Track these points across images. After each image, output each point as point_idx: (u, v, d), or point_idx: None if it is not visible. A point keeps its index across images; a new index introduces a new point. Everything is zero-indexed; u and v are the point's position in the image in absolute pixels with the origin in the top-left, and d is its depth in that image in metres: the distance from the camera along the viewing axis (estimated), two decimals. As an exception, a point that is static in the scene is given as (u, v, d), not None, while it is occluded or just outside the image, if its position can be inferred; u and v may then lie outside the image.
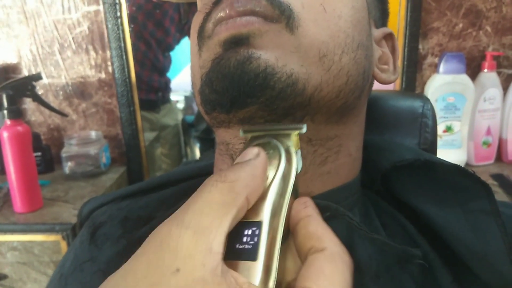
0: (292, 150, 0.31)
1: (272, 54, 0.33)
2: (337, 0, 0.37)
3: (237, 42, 0.34)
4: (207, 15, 0.36)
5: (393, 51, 0.46)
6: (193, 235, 0.23)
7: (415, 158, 0.40)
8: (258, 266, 0.24)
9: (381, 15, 0.47)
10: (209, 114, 0.38)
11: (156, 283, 0.22)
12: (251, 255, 0.25)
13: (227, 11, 0.34)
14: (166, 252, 0.22)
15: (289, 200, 0.29)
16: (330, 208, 0.37)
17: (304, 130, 0.33)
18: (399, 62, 1.10)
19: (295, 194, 0.32)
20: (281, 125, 0.34)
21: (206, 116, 0.39)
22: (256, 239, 0.25)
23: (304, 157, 0.37)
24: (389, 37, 0.46)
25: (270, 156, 0.30)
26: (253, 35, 0.33)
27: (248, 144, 0.33)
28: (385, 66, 0.44)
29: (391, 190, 0.43)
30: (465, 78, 1.06)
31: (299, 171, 0.31)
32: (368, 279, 0.35)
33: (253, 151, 0.29)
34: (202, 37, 0.37)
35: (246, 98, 0.33)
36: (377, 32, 0.44)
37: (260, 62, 0.33)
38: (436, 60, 1.12)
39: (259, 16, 0.34)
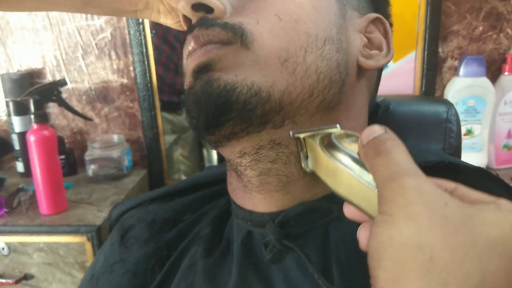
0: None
1: (232, 73, 0.36)
2: (293, 6, 0.39)
3: (201, 70, 0.37)
4: (181, 54, 0.41)
5: (385, 33, 0.46)
6: (427, 179, 0.24)
7: (439, 160, 0.40)
8: None
9: (370, 2, 0.47)
10: (202, 138, 0.41)
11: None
12: None
13: (191, 45, 0.38)
14: (430, 194, 0.23)
15: None
16: (334, 210, 0.38)
17: (338, 128, 0.35)
18: (419, 65, 1.11)
19: None
20: (322, 127, 0.36)
21: (202, 139, 0.43)
22: None
23: (300, 160, 0.38)
24: (377, 21, 0.46)
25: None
26: (213, 60, 0.37)
27: (311, 140, 0.35)
28: (374, 52, 0.44)
29: None
30: (485, 81, 1.06)
31: None
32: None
33: (377, 127, 0.29)
34: (182, 73, 0.41)
35: (218, 117, 0.36)
36: (361, 20, 0.44)
37: (220, 82, 0.36)
38: (456, 63, 1.12)
39: (216, 43, 0.37)
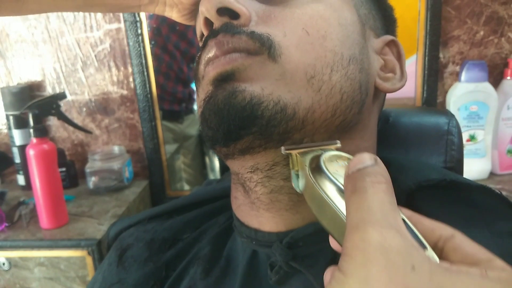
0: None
1: (257, 85, 0.35)
2: (320, 21, 0.37)
3: (224, 79, 0.35)
4: (199, 58, 0.39)
5: (398, 57, 0.46)
6: (398, 233, 0.21)
7: (440, 178, 0.40)
8: (430, 252, 0.24)
9: (383, 23, 0.47)
10: (213, 149, 0.39)
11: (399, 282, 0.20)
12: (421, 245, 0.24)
13: (213, 52, 0.36)
14: (395, 253, 0.21)
15: None
16: None
17: (339, 144, 0.34)
18: (420, 71, 1.10)
19: None
20: (318, 143, 0.35)
21: (212, 150, 0.41)
22: (410, 230, 0.25)
23: (295, 178, 0.37)
24: (392, 43, 0.46)
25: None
26: (237, 70, 0.35)
27: (302, 158, 0.33)
28: (390, 74, 0.44)
29: (415, 210, 0.42)
30: (487, 86, 1.05)
31: None
32: None
33: (367, 155, 0.27)
34: (197, 79, 0.40)
35: (239, 131, 0.35)
36: (377, 42, 0.44)
37: (245, 94, 0.34)
38: (458, 68, 1.11)
39: (241, 52, 0.35)
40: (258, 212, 0.41)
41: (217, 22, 0.37)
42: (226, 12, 0.37)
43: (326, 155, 0.31)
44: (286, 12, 0.37)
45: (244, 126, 0.34)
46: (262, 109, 0.34)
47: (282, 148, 0.35)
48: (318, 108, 0.36)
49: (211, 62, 0.37)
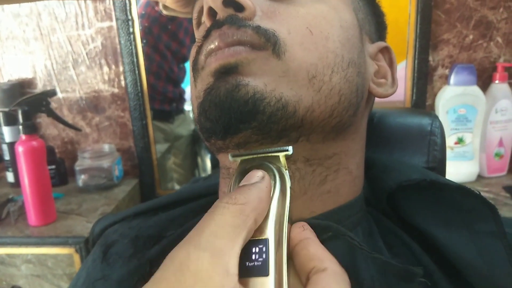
0: (283, 169, 0.33)
1: (260, 80, 0.35)
2: (324, 22, 0.38)
3: (226, 71, 0.35)
4: (199, 48, 0.38)
5: (390, 64, 0.46)
6: (211, 257, 0.23)
7: (421, 178, 0.40)
8: (270, 280, 0.25)
9: (376, 29, 0.47)
10: (208, 141, 0.39)
11: None
12: (262, 271, 0.26)
13: (216, 43, 0.36)
14: (187, 275, 0.23)
15: (288, 216, 0.30)
16: (331, 228, 0.37)
17: (290, 152, 0.34)
18: (409, 74, 1.11)
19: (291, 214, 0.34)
20: (268, 149, 0.36)
21: (206, 143, 0.40)
22: (264, 255, 0.26)
23: (303, 177, 0.38)
24: (385, 50, 0.46)
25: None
26: (241, 63, 0.35)
27: (240, 167, 0.35)
28: (382, 80, 0.44)
29: (396, 210, 0.43)
30: (476, 89, 1.06)
31: (290, 187, 0.34)
32: None
33: (258, 174, 0.29)
34: (196, 69, 0.39)
35: (238, 124, 0.35)
36: (372, 47, 0.44)
37: (248, 88, 0.34)
38: (447, 71, 1.12)
39: (246, 45, 0.35)
40: None
41: (222, 13, 0.37)
42: (232, 3, 0.36)
43: (240, 168, 0.33)
44: (291, 9, 0.37)
45: (244, 120, 0.34)
46: (264, 105, 0.34)
47: (230, 156, 0.36)
48: (318, 108, 0.36)
49: (213, 53, 0.36)
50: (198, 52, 0.39)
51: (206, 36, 0.37)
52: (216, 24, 0.37)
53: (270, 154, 0.35)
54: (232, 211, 0.25)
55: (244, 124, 0.34)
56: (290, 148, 0.35)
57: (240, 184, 0.29)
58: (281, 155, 0.34)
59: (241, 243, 0.25)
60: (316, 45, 0.36)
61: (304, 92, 0.35)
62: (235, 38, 0.35)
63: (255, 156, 0.35)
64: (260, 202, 0.27)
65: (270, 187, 0.31)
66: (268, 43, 0.35)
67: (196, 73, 0.39)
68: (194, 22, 0.44)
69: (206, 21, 0.38)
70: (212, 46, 0.36)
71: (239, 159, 0.36)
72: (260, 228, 0.29)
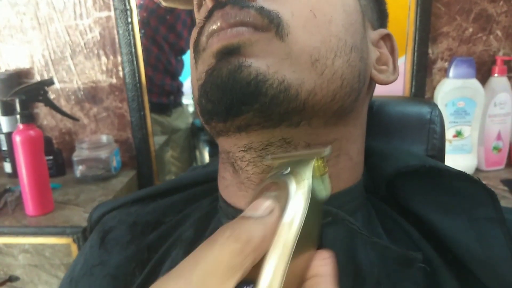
0: (304, 190, 0.28)
1: (263, 62, 0.34)
2: (327, 5, 0.37)
3: (229, 52, 0.35)
4: (201, 29, 0.38)
5: (392, 51, 0.46)
6: None
7: (420, 165, 0.40)
8: None
9: (378, 17, 0.47)
10: (208, 124, 0.39)
11: None
12: None
13: (219, 24, 0.35)
14: None
15: (292, 254, 0.25)
16: (331, 213, 0.37)
17: (326, 153, 0.30)
18: (409, 67, 1.11)
19: (318, 220, 0.30)
20: (304, 151, 0.34)
21: (206, 126, 0.40)
22: None
23: None
24: (387, 37, 0.46)
25: (278, 197, 0.27)
26: (243, 45, 0.34)
27: (271, 174, 0.31)
28: (384, 67, 0.44)
29: (396, 197, 0.43)
30: (475, 82, 1.06)
31: (324, 197, 0.30)
32: (369, 286, 0.35)
33: (267, 204, 0.26)
34: (197, 50, 0.39)
35: (240, 106, 0.34)
36: (374, 34, 0.44)
37: (251, 70, 0.34)
38: (446, 64, 1.12)
39: (249, 26, 0.35)
40: (247, 192, 0.41)
41: None
42: None
43: (273, 173, 0.30)
44: None
45: (246, 101, 0.34)
46: (267, 87, 0.33)
47: (269, 157, 0.34)
48: (320, 91, 0.35)
49: (215, 34, 0.36)
50: (199, 33, 0.38)
51: (208, 16, 0.37)
52: (219, 4, 0.36)
53: (305, 158, 0.31)
54: (232, 249, 0.23)
55: (246, 106, 0.34)
56: (326, 149, 0.30)
57: (246, 214, 0.25)
58: (315, 160, 0.30)
59: (233, 285, 0.23)
60: (319, 29, 0.36)
61: (307, 75, 0.35)
62: (238, 18, 0.35)
63: (290, 159, 0.32)
64: (263, 241, 0.24)
65: (277, 224, 0.26)
66: (271, 24, 0.35)
67: (197, 55, 0.39)
68: (194, 3, 0.44)
69: (208, 1, 0.38)
70: (214, 26, 0.36)
71: (277, 162, 0.33)
72: (258, 265, 0.25)
